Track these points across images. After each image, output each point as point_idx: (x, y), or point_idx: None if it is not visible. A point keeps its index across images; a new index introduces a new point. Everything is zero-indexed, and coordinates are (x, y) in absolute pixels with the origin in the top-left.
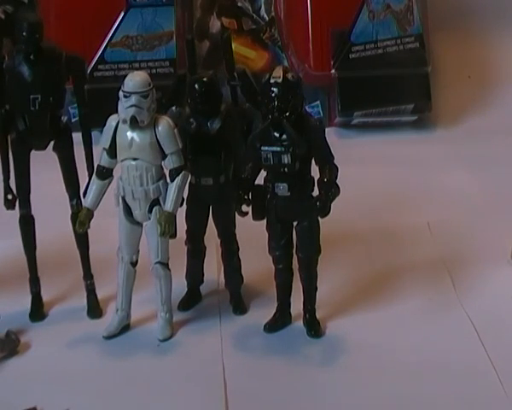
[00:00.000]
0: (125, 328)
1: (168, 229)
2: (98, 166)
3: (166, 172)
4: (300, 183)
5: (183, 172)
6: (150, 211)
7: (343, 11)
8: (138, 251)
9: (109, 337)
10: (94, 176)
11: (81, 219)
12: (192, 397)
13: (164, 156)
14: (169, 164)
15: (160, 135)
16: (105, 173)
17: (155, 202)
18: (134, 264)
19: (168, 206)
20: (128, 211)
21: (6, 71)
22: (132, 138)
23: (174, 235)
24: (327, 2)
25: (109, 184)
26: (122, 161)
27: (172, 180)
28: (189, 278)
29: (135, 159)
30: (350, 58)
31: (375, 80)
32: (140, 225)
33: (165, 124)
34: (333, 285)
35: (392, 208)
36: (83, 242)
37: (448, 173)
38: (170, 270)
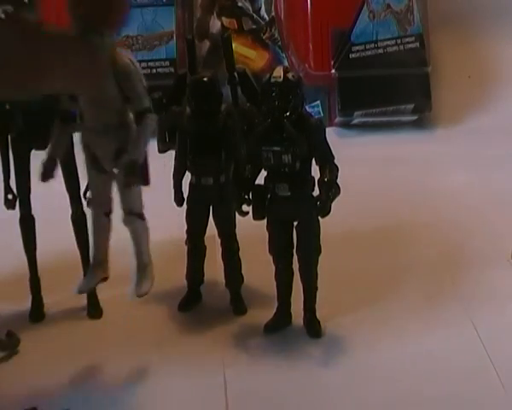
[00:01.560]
0: (102, 281)
1: (131, 178)
2: (60, 110)
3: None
4: (301, 183)
5: (147, 115)
6: (117, 159)
7: (343, 11)
8: (111, 199)
9: (82, 292)
10: (56, 121)
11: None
12: (192, 397)
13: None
14: (131, 107)
15: (119, 74)
16: (67, 116)
17: (122, 150)
18: (108, 214)
19: (130, 153)
20: (94, 158)
21: None
22: None
23: (143, 182)
24: (327, 2)
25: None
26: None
27: (137, 125)
28: (189, 278)
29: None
30: (350, 58)
31: (375, 80)
32: (108, 173)
33: (124, 63)
34: (333, 285)
35: (392, 208)
36: (83, 241)
37: (448, 173)
38: (145, 219)
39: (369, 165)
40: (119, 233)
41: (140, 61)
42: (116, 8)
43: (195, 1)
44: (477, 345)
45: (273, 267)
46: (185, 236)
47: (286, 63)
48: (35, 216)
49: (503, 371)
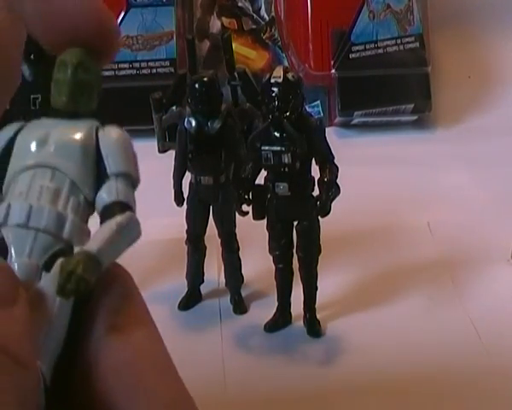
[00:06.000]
0: None
1: (77, 282)
2: None
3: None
4: (301, 182)
5: (127, 213)
6: (47, 268)
7: (343, 11)
8: None
9: None
10: None
11: None
12: (192, 397)
13: (99, 183)
14: (109, 194)
15: (105, 140)
16: None
17: (59, 254)
18: None
19: (93, 245)
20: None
21: None
22: (50, 134)
23: (85, 287)
24: (327, 2)
25: None
26: (18, 173)
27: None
28: (189, 277)
29: (49, 167)
30: (350, 58)
31: (375, 80)
32: None
33: (117, 130)
34: (333, 285)
35: (392, 208)
36: None
37: (448, 173)
38: None
39: (369, 165)
40: None
41: (140, 61)
42: None
43: (195, 1)
44: (477, 345)
45: (273, 267)
46: (185, 236)
47: (286, 63)
48: None
49: (503, 371)
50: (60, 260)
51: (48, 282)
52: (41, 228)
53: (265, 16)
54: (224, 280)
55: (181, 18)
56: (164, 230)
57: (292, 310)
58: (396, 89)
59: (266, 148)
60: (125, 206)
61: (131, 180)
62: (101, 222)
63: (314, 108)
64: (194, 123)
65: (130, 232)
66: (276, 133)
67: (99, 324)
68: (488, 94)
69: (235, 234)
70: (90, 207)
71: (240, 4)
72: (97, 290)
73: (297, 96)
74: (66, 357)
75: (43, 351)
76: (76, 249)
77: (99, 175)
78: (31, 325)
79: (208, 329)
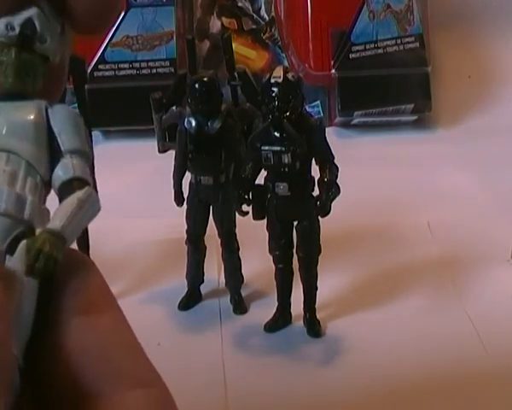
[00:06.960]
0: None
1: (44, 260)
2: None
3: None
4: (301, 182)
5: (86, 188)
6: (10, 252)
7: (343, 11)
8: None
9: None
10: None
11: None
12: (192, 396)
13: (53, 162)
14: (66, 171)
15: (56, 118)
16: None
17: (22, 237)
18: None
19: (56, 222)
20: None
21: None
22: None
23: (54, 265)
24: (327, 2)
25: None
26: None
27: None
28: (189, 277)
29: (3, 150)
30: (350, 58)
31: (375, 80)
32: None
33: (66, 108)
34: (333, 285)
35: (392, 208)
36: (83, 242)
37: (448, 173)
38: None
39: (369, 165)
40: (123, 237)
41: (140, 61)
42: None
43: (195, 1)
44: (477, 345)
45: (273, 267)
46: (185, 236)
47: (286, 63)
48: None
49: (503, 371)
50: (23, 242)
51: (13, 265)
52: (1, 211)
53: (265, 16)
54: (223, 280)
55: (181, 18)
56: (164, 230)
57: (292, 310)
58: (396, 89)
59: (266, 148)
60: (83, 181)
61: (86, 157)
62: (61, 199)
63: (314, 108)
64: (194, 123)
65: (90, 207)
66: (276, 133)
67: (66, 307)
68: (488, 94)
69: (235, 234)
70: (46, 187)
71: (240, 4)
72: (62, 274)
73: (297, 96)
74: (34, 339)
75: (14, 333)
76: (38, 230)
77: (52, 154)
78: (4, 304)
79: (208, 329)
